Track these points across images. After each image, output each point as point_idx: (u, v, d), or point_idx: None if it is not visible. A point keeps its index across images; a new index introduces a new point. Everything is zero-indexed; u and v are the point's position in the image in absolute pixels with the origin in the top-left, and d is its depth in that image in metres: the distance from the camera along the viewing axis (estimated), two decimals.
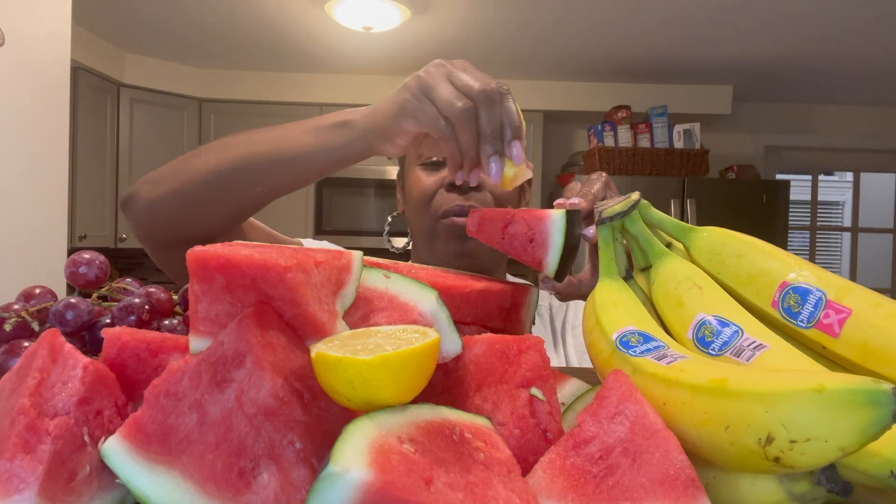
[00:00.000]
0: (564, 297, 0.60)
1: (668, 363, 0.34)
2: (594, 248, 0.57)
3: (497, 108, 0.55)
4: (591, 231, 0.54)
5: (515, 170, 0.55)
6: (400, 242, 1.02)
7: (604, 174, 0.61)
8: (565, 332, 0.91)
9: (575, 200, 0.56)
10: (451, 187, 0.83)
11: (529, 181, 0.96)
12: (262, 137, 0.68)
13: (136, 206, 0.72)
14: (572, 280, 0.59)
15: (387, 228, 1.03)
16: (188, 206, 0.69)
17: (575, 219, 0.53)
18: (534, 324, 0.56)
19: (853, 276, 4.09)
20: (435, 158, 0.85)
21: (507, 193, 0.85)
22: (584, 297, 0.59)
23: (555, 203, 0.57)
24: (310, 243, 0.91)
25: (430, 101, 0.56)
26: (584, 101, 3.67)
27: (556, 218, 0.51)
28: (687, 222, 0.50)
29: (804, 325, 0.37)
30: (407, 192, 0.91)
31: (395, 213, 1.01)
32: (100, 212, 3.23)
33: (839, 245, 5.68)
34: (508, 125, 0.55)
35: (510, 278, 0.96)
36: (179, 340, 0.37)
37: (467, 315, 0.48)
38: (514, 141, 0.54)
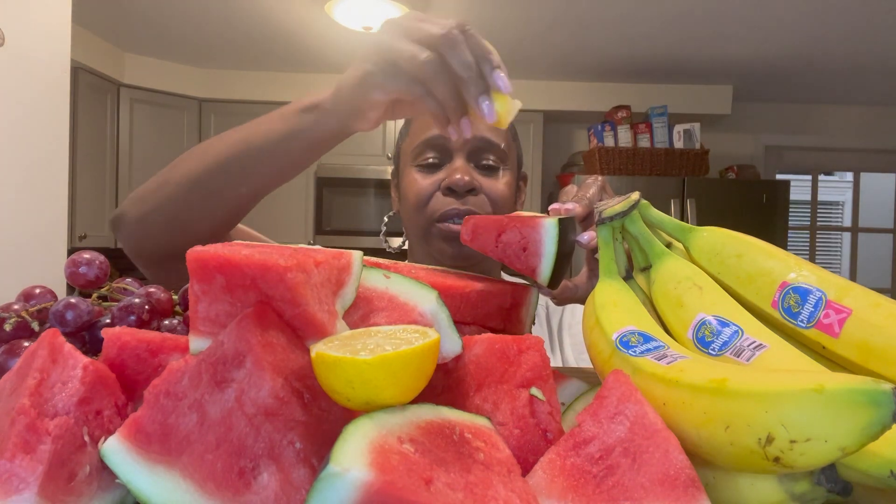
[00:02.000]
0: (561, 301, 0.59)
1: (668, 363, 0.34)
2: (591, 252, 0.56)
3: (464, 47, 0.51)
4: (585, 237, 0.53)
5: (506, 104, 0.52)
6: (396, 242, 1.02)
7: (600, 177, 0.59)
8: (562, 332, 0.90)
9: (570, 206, 0.54)
10: (448, 191, 0.82)
11: (525, 179, 0.95)
12: (233, 136, 0.66)
13: (125, 225, 0.71)
14: (568, 284, 0.58)
15: (383, 228, 1.02)
16: (175, 217, 0.67)
17: (568, 226, 0.52)
18: (533, 324, 0.56)
19: (853, 276, 4.09)
20: (431, 160, 0.84)
21: (503, 195, 0.84)
22: (580, 300, 0.59)
23: (549, 209, 0.55)
24: None
25: (393, 64, 0.53)
26: (584, 101, 3.67)
27: (548, 226, 0.50)
28: (687, 222, 0.50)
29: (804, 325, 0.37)
30: (402, 194, 0.90)
31: (390, 213, 1.00)
32: (100, 212, 3.23)
33: (839, 245, 5.68)
34: (483, 59, 0.51)
35: (507, 278, 0.96)
36: (179, 340, 0.37)
37: (467, 315, 0.48)
38: (494, 71, 0.51)
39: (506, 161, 0.87)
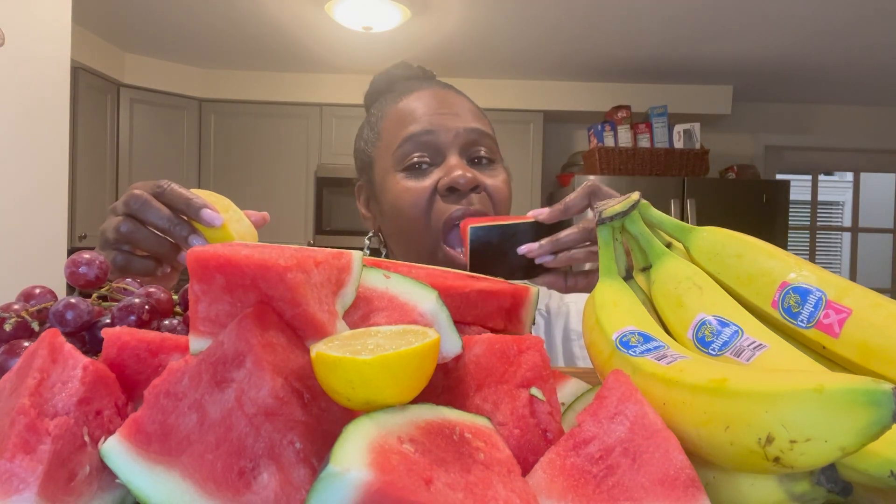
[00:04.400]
0: (566, 289, 0.62)
1: (668, 363, 0.34)
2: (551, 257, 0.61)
3: (155, 204, 0.56)
4: (523, 248, 0.59)
5: (223, 232, 0.56)
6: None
7: (591, 180, 0.61)
8: (570, 341, 0.85)
9: (534, 212, 0.60)
10: (449, 192, 0.73)
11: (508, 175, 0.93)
12: None
13: None
14: (551, 279, 0.62)
15: (366, 252, 0.92)
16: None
17: (491, 233, 0.59)
18: (534, 324, 0.56)
19: (853, 276, 4.10)
20: (421, 161, 0.75)
21: (504, 192, 0.78)
22: (577, 291, 0.63)
23: (528, 214, 0.62)
24: None
25: (104, 239, 0.59)
26: (584, 101, 3.67)
27: (469, 232, 0.58)
28: (687, 222, 0.50)
29: (804, 325, 0.37)
30: (389, 205, 0.77)
31: (371, 235, 0.87)
32: (100, 212, 3.23)
33: (839, 245, 5.69)
34: (186, 206, 0.55)
35: None
36: (179, 340, 0.37)
37: (467, 315, 0.48)
38: (200, 211, 0.55)
39: (497, 153, 0.80)
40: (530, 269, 0.60)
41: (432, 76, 0.92)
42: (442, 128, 0.76)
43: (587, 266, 0.63)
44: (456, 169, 0.73)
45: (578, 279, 0.64)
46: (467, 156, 0.77)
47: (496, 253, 0.59)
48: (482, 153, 0.77)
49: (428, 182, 0.75)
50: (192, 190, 0.57)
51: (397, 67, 0.91)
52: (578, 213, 0.62)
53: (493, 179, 0.77)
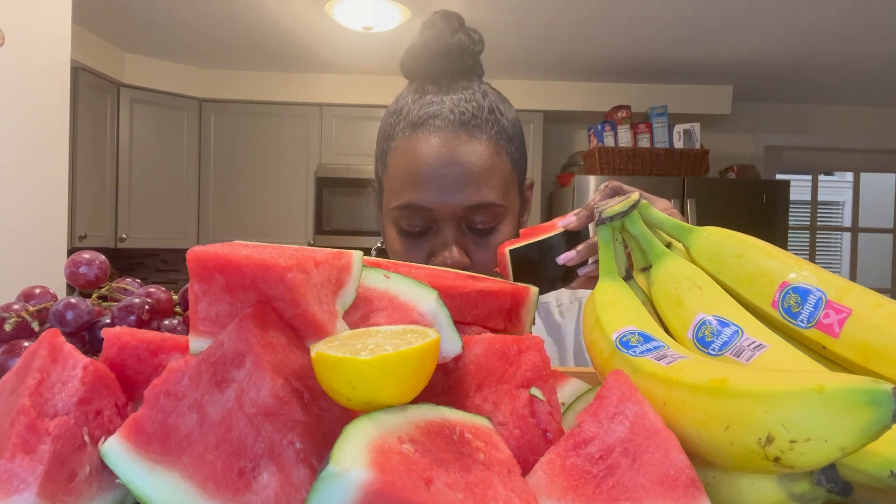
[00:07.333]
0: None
1: (668, 363, 0.34)
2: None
3: None
4: (562, 258, 0.59)
5: None
6: None
7: (612, 184, 0.59)
8: (578, 341, 0.85)
9: (565, 220, 0.60)
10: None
11: (531, 187, 0.87)
12: None
13: None
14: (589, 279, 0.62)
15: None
16: None
17: (530, 250, 0.59)
18: (534, 324, 0.56)
19: (853, 276, 4.09)
20: (408, 225, 0.74)
21: (487, 261, 0.76)
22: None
23: (552, 222, 0.62)
24: None
25: None
26: (584, 101, 3.67)
27: (505, 255, 0.60)
28: (687, 222, 0.50)
29: (804, 325, 0.37)
30: (385, 243, 0.79)
31: (378, 245, 0.89)
32: (100, 212, 3.23)
33: (839, 245, 5.69)
34: None
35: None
36: (179, 340, 0.37)
37: (467, 315, 0.48)
38: None
39: (505, 215, 0.76)
40: (568, 276, 0.62)
41: (480, 49, 0.87)
42: (440, 206, 0.72)
43: None
44: (445, 248, 0.73)
45: None
46: (466, 223, 0.74)
47: (536, 268, 0.60)
48: (480, 224, 0.74)
49: (420, 251, 0.75)
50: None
51: (434, 27, 0.83)
52: None
53: (485, 252, 0.75)
